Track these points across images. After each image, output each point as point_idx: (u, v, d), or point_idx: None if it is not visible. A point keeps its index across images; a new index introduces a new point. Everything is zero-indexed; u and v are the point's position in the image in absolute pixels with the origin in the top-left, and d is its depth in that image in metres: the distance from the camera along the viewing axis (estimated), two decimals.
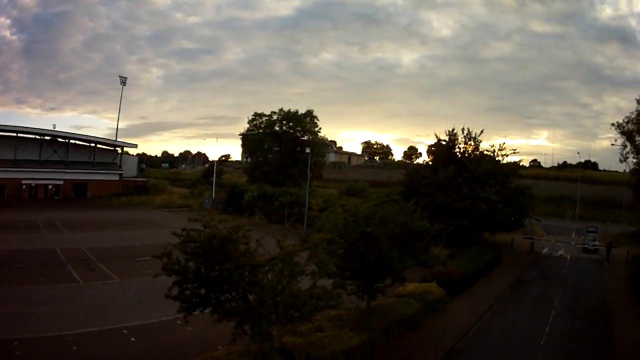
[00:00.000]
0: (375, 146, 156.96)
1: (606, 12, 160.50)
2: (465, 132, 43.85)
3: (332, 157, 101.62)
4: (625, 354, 22.53)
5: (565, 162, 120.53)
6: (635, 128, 43.53)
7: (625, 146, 45.34)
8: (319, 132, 66.42)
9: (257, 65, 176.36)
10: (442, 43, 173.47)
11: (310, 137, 64.69)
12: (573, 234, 60.17)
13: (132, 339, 17.92)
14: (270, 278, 13.05)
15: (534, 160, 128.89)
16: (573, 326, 26.88)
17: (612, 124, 46.28)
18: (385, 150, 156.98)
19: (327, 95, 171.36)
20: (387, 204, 20.44)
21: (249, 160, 76.33)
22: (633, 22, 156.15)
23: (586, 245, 51.38)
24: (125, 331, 18.51)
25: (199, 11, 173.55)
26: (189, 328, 16.04)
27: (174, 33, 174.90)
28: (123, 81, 76.71)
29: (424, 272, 26.55)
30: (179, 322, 16.02)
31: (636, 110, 43.94)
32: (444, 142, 44.74)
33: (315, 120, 65.23)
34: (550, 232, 59.51)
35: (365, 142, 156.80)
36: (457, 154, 43.99)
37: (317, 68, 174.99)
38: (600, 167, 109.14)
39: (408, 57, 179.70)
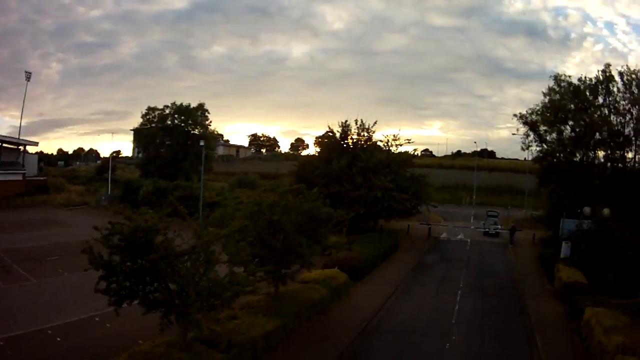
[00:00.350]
0: (262, 138, 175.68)
1: (515, 7, 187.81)
2: (359, 123, 52.08)
3: (220, 150, 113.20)
4: (542, 328, 26.50)
5: (459, 151, 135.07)
6: (540, 119, 50.16)
7: (527, 135, 52.26)
8: (210, 125, 77.34)
9: (149, 59, 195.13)
10: (334, 36, 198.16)
11: (201, 131, 74.81)
12: (471, 219, 68.02)
13: (58, 339, 20.39)
14: (189, 266, 15.68)
15: (426, 150, 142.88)
16: (483, 304, 30.97)
17: (515, 115, 52.99)
18: (272, 143, 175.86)
19: (215, 88, 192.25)
20: (290, 193, 24.46)
21: (140, 155, 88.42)
22: (546, 17, 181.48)
23: (487, 229, 58.82)
24: (50, 331, 20.99)
25: (101, 4, 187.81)
26: (108, 325, 20.82)
27: (75, 27, 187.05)
28: (28, 77, 78.68)
29: (325, 258, 30.19)
30: (97, 319, 21.60)
31: (542, 102, 51.51)
32: (337, 132, 52.04)
33: (207, 114, 75.77)
34: (447, 218, 66.39)
35: (252, 135, 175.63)
36: (350, 144, 52.18)
37: (207, 61, 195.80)
38: (498, 156, 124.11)
39: (299, 49, 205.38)
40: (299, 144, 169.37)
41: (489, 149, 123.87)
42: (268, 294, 22.43)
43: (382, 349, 22.65)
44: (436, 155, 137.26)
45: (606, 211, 34.09)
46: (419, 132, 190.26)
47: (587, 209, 35.84)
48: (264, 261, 22.06)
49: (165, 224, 15.83)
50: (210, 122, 76.57)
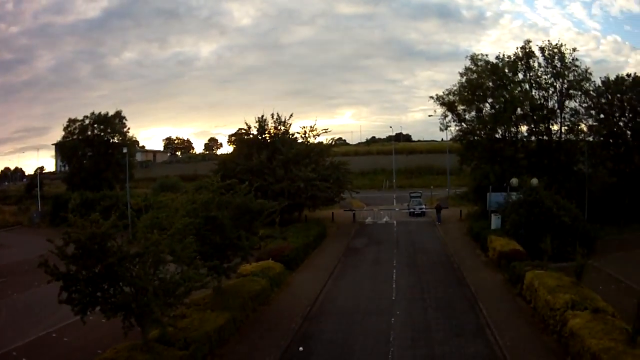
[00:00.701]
0: (176, 141, 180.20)
1: None
2: (275, 117, 54.16)
3: (138, 157, 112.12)
4: (483, 296, 26.58)
5: (373, 137, 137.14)
6: (457, 99, 51.89)
7: (445, 116, 53.92)
8: (128, 132, 78.77)
9: (65, 71, 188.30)
10: (241, 32, 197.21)
11: (120, 139, 76.82)
12: (394, 202, 68.72)
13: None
14: (140, 268, 16.21)
15: (340, 139, 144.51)
16: (420, 280, 31.16)
17: (431, 97, 54.18)
18: (187, 145, 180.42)
19: (126, 95, 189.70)
20: (221, 189, 25.66)
21: (65, 169, 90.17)
22: None
23: (412, 210, 59.60)
24: (14, 353, 20.81)
25: (20, 20, 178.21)
26: (66, 339, 21.26)
27: None
28: None
29: (258, 252, 30.70)
30: (54, 334, 21.94)
31: (459, 82, 52.85)
32: (254, 128, 54.05)
33: (124, 121, 77.26)
34: (370, 203, 66.88)
35: (167, 139, 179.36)
36: (268, 138, 54.00)
37: (118, 68, 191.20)
38: (414, 139, 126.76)
39: (206, 49, 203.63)
40: (212, 143, 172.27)
41: (404, 132, 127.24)
42: (213, 289, 23.38)
43: (330, 330, 22.66)
44: (350, 143, 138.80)
45: (534, 181, 35.01)
46: (331, 121, 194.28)
47: (514, 180, 36.70)
48: (206, 257, 22.62)
49: (115, 230, 16.36)
50: (129, 129, 78.28)
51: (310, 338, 21.77)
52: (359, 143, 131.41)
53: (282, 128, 54.40)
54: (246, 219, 25.52)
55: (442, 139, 74.49)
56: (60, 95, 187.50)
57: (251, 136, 54.52)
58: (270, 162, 51.45)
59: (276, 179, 49.68)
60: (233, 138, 60.60)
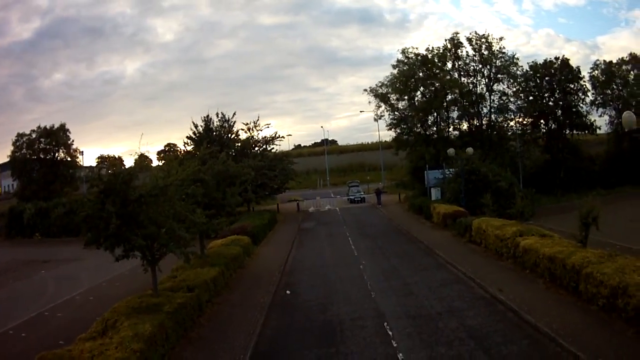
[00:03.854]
0: (108, 160, 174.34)
1: None
2: (220, 115, 55.58)
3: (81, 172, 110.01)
4: (437, 246, 29.23)
5: (299, 145, 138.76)
6: (390, 90, 56.60)
7: (379, 107, 58.06)
8: (72, 144, 77.88)
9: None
10: (164, 48, 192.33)
11: (65, 151, 76.70)
12: (332, 195, 70.67)
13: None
14: (155, 208, 16.41)
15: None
16: (375, 243, 33.56)
17: (365, 90, 58.75)
18: (119, 162, 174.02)
19: (57, 117, 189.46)
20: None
21: (14, 184, 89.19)
22: (381, 2, 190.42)
23: (351, 197, 62.23)
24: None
25: None
26: (23, 334, 18.67)
27: None
28: None
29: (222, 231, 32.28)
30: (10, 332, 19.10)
31: (391, 74, 57.15)
32: (200, 127, 54.83)
33: (68, 133, 76.72)
34: (309, 198, 67.80)
35: (99, 157, 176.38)
36: (215, 135, 54.91)
37: (49, 90, 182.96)
38: (340, 144, 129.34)
39: (132, 66, 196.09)
40: (142, 159, 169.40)
41: (330, 138, 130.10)
42: (202, 249, 25.12)
43: (308, 279, 24.55)
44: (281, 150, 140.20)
45: (469, 150, 38.01)
46: (261, 134, 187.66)
47: (450, 150, 39.49)
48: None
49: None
50: (73, 141, 77.67)
51: (294, 285, 23.41)
52: (289, 150, 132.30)
53: (227, 125, 55.86)
54: (226, 182, 27.37)
55: (369, 143, 77.77)
56: None
57: (198, 135, 55.11)
58: (228, 159, 52.19)
59: None
60: (162, 154, 61.37)
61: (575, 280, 15.93)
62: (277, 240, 37.77)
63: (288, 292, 22.04)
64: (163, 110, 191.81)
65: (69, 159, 72.04)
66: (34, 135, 75.10)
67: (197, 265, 21.80)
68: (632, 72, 58.88)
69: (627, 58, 59.74)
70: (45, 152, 75.25)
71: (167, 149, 58.40)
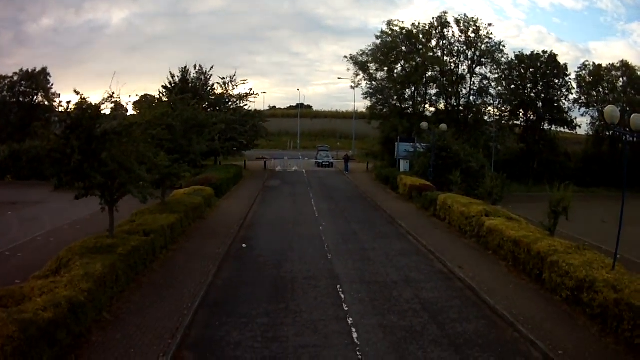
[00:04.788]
0: (85, 106, 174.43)
1: None
2: (197, 67, 54.01)
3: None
4: (400, 216, 28.42)
5: (274, 107, 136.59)
6: (370, 59, 55.19)
7: (357, 74, 57.05)
8: (51, 88, 75.87)
9: None
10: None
11: (43, 94, 74.62)
12: (300, 157, 69.06)
13: None
14: (118, 147, 15.94)
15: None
16: (337, 206, 32.80)
17: (345, 57, 58.25)
18: (97, 108, 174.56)
19: (40, 62, 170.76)
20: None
21: None
22: None
23: (319, 161, 61.17)
24: None
25: None
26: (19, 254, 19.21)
27: None
28: None
29: (186, 182, 31.82)
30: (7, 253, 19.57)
31: (373, 44, 55.72)
32: (177, 77, 53.01)
33: (49, 77, 74.96)
34: (278, 158, 66.51)
35: (76, 104, 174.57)
36: (191, 87, 53.22)
37: (36, 35, 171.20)
38: (315, 110, 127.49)
39: (118, 15, 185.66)
40: (119, 108, 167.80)
41: (306, 103, 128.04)
42: (162, 197, 24.42)
43: (266, 234, 23.91)
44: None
45: (443, 126, 36.97)
46: (236, 91, 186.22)
47: (424, 124, 38.37)
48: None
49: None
50: (52, 85, 75.57)
51: (251, 239, 22.54)
52: (263, 110, 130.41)
53: (204, 78, 54.49)
54: (194, 131, 26.89)
55: (343, 110, 76.96)
56: None
57: (174, 85, 53.10)
58: (198, 106, 51.19)
59: None
60: (138, 104, 59.85)
61: (540, 267, 15.26)
62: (241, 195, 36.64)
63: (244, 245, 21.30)
64: (144, 61, 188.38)
65: (46, 102, 70.15)
66: (15, 78, 74.01)
67: (157, 211, 21.56)
68: (622, 79, 58.87)
69: (618, 64, 59.63)
70: (24, 95, 74.33)
71: (143, 99, 55.87)
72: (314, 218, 27.83)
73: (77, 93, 15.82)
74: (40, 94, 74.86)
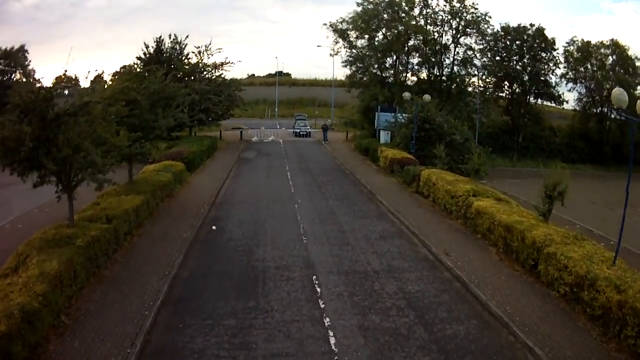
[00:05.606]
0: (64, 81, 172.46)
1: None
2: (172, 37, 51.15)
3: None
4: (380, 192, 26.90)
5: (253, 75, 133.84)
6: (351, 27, 53.03)
7: (337, 42, 54.43)
8: (29, 65, 74.41)
9: None
10: None
11: (22, 72, 72.37)
12: (277, 126, 66.92)
13: None
14: (74, 129, 14.74)
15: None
16: (315, 180, 31.23)
17: (324, 24, 55.05)
18: (75, 83, 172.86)
19: (20, 39, 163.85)
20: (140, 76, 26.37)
21: None
22: None
23: (297, 130, 59.21)
24: None
25: None
26: None
27: None
28: None
29: (158, 156, 30.51)
30: None
31: (354, 11, 52.98)
32: (152, 48, 50.27)
33: (27, 54, 73.41)
34: (254, 128, 64.48)
35: (57, 77, 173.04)
36: (165, 57, 50.57)
37: (18, 13, 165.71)
38: (294, 77, 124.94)
39: None
40: (98, 80, 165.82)
41: (285, 71, 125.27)
42: (130, 176, 23.36)
43: (238, 213, 22.48)
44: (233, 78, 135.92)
45: (427, 97, 35.32)
46: (211, 59, 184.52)
47: (406, 94, 36.69)
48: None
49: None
50: (30, 61, 74.10)
51: (221, 220, 21.19)
52: (240, 78, 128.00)
53: (179, 48, 51.76)
54: (161, 104, 24.89)
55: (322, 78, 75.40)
56: None
57: (148, 55, 50.39)
58: (166, 78, 48.29)
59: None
60: (116, 75, 57.04)
61: (535, 258, 14.08)
62: (214, 168, 35.01)
63: (214, 227, 20.04)
64: (124, 32, 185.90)
65: (24, 79, 67.31)
66: None
67: (123, 192, 20.39)
68: (611, 57, 57.69)
69: (608, 42, 58.41)
70: (2, 73, 72.50)
71: (122, 70, 53.15)
72: (289, 194, 26.39)
73: (61, 81, 15.84)
74: (18, 72, 72.89)
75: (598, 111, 59.05)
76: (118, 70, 52.07)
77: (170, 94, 26.27)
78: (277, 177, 31.82)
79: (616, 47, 57.54)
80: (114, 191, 20.36)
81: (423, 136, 34.65)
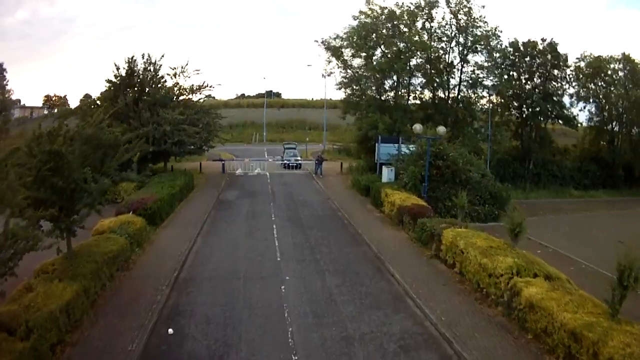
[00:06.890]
0: (54, 98, 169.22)
1: None
2: (146, 57, 45.63)
3: (16, 113, 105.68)
4: (390, 258, 21.96)
5: (243, 94, 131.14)
6: (345, 44, 48.97)
7: (329, 62, 50.34)
8: (7, 85, 74.08)
9: None
10: None
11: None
12: (265, 154, 62.88)
13: None
14: None
15: (209, 96, 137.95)
16: (307, 238, 25.98)
17: (316, 40, 52.72)
18: (63, 102, 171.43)
19: (13, 55, 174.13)
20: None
21: None
22: None
23: (286, 162, 54.13)
24: None
25: None
26: None
27: None
28: None
29: (117, 206, 27.88)
30: None
31: (349, 25, 49.07)
32: (124, 69, 45.02)
33: (5, 74, 73.08)
34: (239, 156, 60.61)
35: (45, 96, 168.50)
36: (137, 80, 45.73)
37: (10, 29, 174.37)
38: (285, 97, 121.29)
39: (91, 4, 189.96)
40: (87, 98, 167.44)
41: (275, 91, 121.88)
42: (59, 252, 17.49)
43: (205, 302, 17.31)
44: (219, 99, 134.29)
45: (442, 129, 30.23)
46: (188, 82, 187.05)
47: (417, 127, 31.64)
48: (47, 206, 16.71)
49: None
50: (8, 81, 74.59)
51: (182, 314, 16.25)
52: (228, 99, 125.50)
53: (152, 69, 46.20)
54: (98, 155, 19.71)
55: (312, 98, 71.63)
56: None
57: (119, 78, 45.18)
58: (137, 104, 43.94)
59: (141, 123, 42.35)
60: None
61: None
62: (185, 217, 30.09)
63: (170, 331, 15.04)
64: (115, 49, 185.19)
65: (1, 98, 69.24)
66: None
67: (57, 274, 16.38)
68: (620, 72, 55.08)
69: (619, 57, 55.52)
70: None
71: (81, 102, 52.63)
72: (274, 265, 21.13)
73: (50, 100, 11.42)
74: None
75: (609, 128, 56.89)
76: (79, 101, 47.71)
77: (109, 141, 20.70)
78: (260, 234, 26.56)
79: (627, 61, 54.71)
80: (51, 266, 16.93)
81: (435, 174, 29.74)
